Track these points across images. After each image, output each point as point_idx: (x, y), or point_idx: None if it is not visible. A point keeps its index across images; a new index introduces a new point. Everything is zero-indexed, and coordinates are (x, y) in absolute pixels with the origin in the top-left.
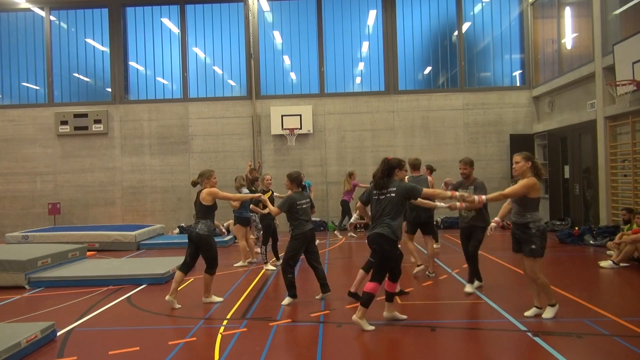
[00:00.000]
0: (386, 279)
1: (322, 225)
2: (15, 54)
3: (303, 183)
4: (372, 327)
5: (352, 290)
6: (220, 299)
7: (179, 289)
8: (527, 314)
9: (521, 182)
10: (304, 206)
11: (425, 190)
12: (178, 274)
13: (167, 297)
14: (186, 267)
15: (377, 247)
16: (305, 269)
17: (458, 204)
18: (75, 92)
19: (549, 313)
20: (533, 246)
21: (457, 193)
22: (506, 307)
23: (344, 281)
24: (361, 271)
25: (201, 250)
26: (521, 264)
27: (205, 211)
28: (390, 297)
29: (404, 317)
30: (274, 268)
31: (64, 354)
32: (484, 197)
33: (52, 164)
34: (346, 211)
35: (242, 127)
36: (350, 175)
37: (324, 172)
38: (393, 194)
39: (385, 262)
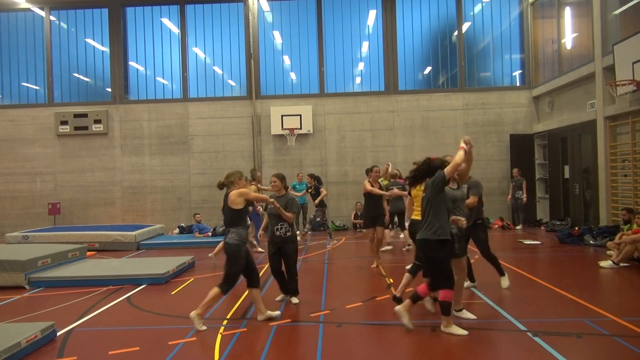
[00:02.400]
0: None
1: (322, 225)
2: (15, 54)
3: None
4: (466, 332)
5: (398, 294)
6: (204, 328)
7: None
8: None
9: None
10: None
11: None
12: (253, 291)
13: (259, 317)
14: (253, 281)
15: (422, 254)
16: (306, 269)
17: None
18: (75, 92)
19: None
20: None
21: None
22: (506, 307)
23: (344, 282)
24: (407, 274)
25: (226, 260)
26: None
27: (237, 217)
28: (416, 298)
29: (411, 327)
30: None
31: (64, 354)
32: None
33: (52, 164)
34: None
35: (242, 127)
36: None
37: (324, 172)
38: (425, 192)
39: (440, 266)
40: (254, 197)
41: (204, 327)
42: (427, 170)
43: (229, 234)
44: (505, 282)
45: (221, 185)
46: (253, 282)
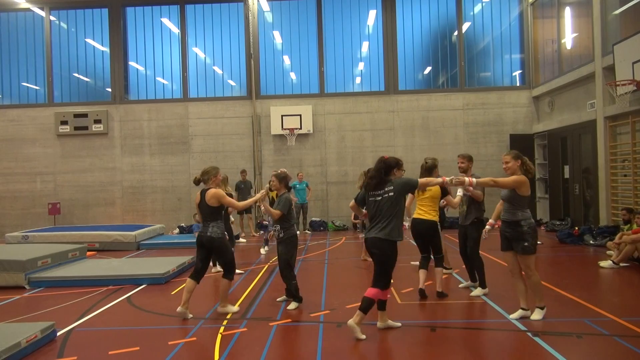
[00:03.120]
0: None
1: (322, 225)
2: (15, 54)
3: (290, 184)
4: (364, 337)
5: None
6: (236, 309)
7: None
8: (512, 316)
9: (513, 177)
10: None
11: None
12: (190, 282)
13: (179, 309)
14: (198, 275)
15: (379, 252)
16: (306, 269)
17: (447, 179)
18: (75, 92)
19: (537, 315)
20: (525, 243)
21: (447, 178)
22: (506, 307)
23: (344, 282)
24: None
25: (216, 254)
26: (510, 262)
27: (216, 212)
28: (382, 305)
29: (398, 324)
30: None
31: (64, 354)
32: (474, 179)
33: (52, 164)
34: None
35: (242, 127)
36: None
37: (324, 172)
38: (392, 193)
39: (388, 266)
40: (228, 202)
41: (236, 308)
42: (387, 170)
43: (209, 228)
44: (477, 291)
45: (197, 181)
46: (198, 275)
